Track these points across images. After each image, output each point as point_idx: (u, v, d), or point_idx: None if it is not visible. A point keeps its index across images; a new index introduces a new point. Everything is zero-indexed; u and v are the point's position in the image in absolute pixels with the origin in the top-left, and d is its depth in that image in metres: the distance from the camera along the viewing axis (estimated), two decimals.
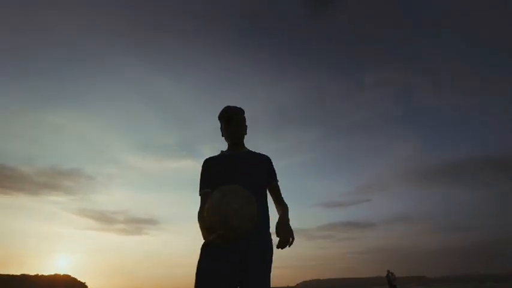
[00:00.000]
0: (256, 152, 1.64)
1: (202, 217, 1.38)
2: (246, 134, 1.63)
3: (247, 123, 1.65)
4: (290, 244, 1.31)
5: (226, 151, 1.61)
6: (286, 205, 1.57)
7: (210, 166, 1.55)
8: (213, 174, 1.51)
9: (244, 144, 1.63)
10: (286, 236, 1.30)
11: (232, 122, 1.55)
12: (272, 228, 1.45)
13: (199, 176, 1.56)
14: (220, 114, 1.59)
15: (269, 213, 1.52)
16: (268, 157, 1.64)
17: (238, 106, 1.61)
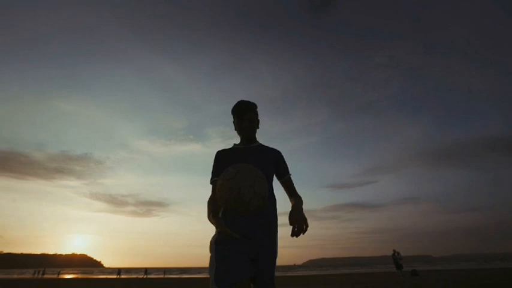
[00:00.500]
0: (268, 146, 1.68)
1: (211, 203, 1.47)
2: (258, 128, 1.68)
3: (258, 116, 1.69)
4: (304, 231, 1.33)
5: (238, 144, 1.67)
6: (300, 197, 1.60)
7: (221, 158, 1.62)
8: (223, 165, 1.56)
9: (256, 138, 1.68)
10: (301, 224, 1.32)
11: (244, 118, 1.60)
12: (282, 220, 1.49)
13: (212, 166, 1.63)
14: (233, 109, 1.63)
15: (276, 206, 1.57)
16: (279, 151, 1.67)
17: (251, 101, 1.64)
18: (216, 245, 1.43)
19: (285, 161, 1.66)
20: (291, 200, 1.60)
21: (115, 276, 35.03)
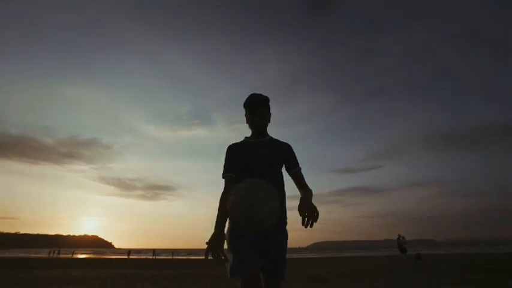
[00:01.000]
0: (278, 139, 1.69)
1: (223, 200, 1.45)
2: (269, 122, 1.67)
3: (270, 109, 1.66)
4: (315, 221, 1.30)
5: (249, 138, 1.68)
6: (310, 189, 1.58)
7: (233, 152, 1.63)
8: (235, 160, 1.59)
9: (267, 132, 1.68)
10: (311, 214, 1.29)
11: (257, 113, 1.60)
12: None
13: (224, 160, 1.63)
14: (245, 102, 1.63)
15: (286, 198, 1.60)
16: (288, 144, 1.68)
17: (263, 94, 1.63)
18: (230, 239, 1.46)
19: (294, 154, 1.67)
20: (300, 192, 1.58)
21: (125, 257, 36.46)
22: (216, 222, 1.41)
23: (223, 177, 1.58)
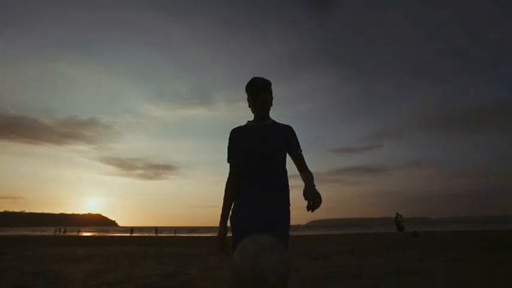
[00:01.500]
0: (280, 123, 1.70)
1: (228, 187, 1.57)
2: (272, 105, 1.68)
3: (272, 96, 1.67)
4: (318, 206, 1.41)
5: (252, 122, 1.69)
6: (310, 172, 1.61)
7: (235, 137, 1.66)
8: (238, 144, 1.62)
9: (269, 116, 1.69)
10: (316, 200, 1.39)
11: (259, 97, 1.60)
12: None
13: (227, 145, 1.67)
14: (247, 86, 1.64)
15: (288, 182, 1.63)
16: (290, 127, 1.70)
17: (265, 78, 1.63)
18: (233, 239, 1.51)
19: (296, 137, 1.67)
20: (301, 175, 1.63)
21: (128, 235, 37.51)
22: (222, 215, 1.54)
23: (228, 162, 1.64)
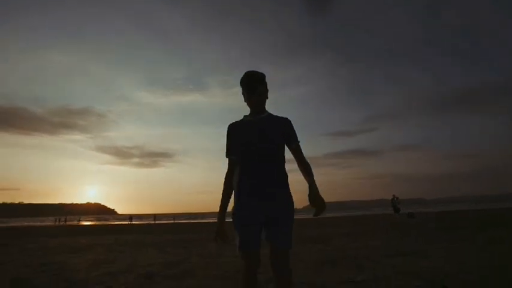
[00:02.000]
0: (277, 115, 1.70)
1: (227, 180, 1.63)
2: (267, 98, 1.67)
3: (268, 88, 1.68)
4: (323, 211, 1.50)
5: (248, 116, 1.68)
6: (309, 165, 1.63)
7: (232, 132, 1.67)
8: (235, 139, 1.64)
9: (265, 109, 1.68)
10: (322, 207, 1.49)
11: (255, 92, 1.59)
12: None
13: (226, 140, 1.69)
14: (241, 81, 1.62)
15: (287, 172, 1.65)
16: (288, 120, 1.69)
17: (259, 71, 1.61)
18: (233, 223, 1.57)
19: (293, 129, 1.67)
20: (300, 168, 1.64)
21: (128, 222, 37.98)
22: (220, 208, 1.61)
23: (226, 157, 1.68)
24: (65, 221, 48.75)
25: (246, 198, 1.54)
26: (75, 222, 46.72)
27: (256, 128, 1.60)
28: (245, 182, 1.55)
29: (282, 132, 1.62)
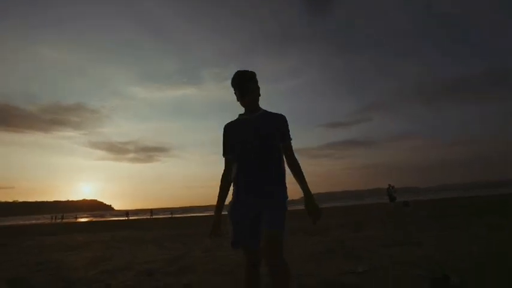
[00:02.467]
0: (272, 112, 1.71)
1: (223, 179, 1.68)
2: (260, 95, 1.68)
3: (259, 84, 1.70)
4: (319, 218, 1.56)
5: (243, 114, 1.71)
6: (298, 165, 1.66)
7: (228, 131, 1.71)
8: (231, 139, 1.67)
9: (259, 106, 1.70)
10: (318, 216, 1.56)
11: (247, 92, 1.62)
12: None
13: (222, 140, 1.72)
14: (232, 81, 1.65)
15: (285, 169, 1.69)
16: (283, 116, 1.70)
17: (249, 70, 1.64)
18: (228, 212, 1.62)
19: (287, 127, 1.69)
20: (289, 167, 1.68)
21: (125, 218, 37.94)
22: (216, 204, 1.64)
23: (223, 156, 1.71)
24: (62, 218, 48.48)
25: (243, 195, 1.59)
26: (72, 220, 46.50)
27: (252, 126, 1.62)
28: (241, 180, 1.59)
29: (277, 128, 1.64)
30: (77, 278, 3.23)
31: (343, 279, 2.59)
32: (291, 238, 5.87)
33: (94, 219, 43.77)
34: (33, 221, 45.19)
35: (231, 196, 1.66)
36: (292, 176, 1.67)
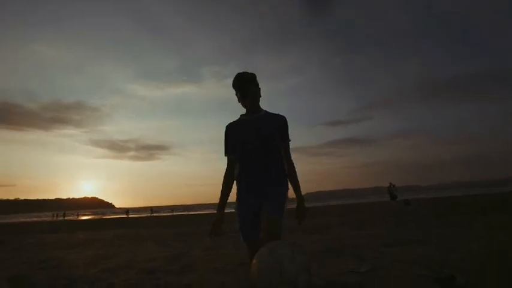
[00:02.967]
0: (273, 113, 1.76)
1: (226, 178, 1.72)
2: (260, 96, 1.73)
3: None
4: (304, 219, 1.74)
5: (244, 115, 1.75)
6: (294, 168, 1.73)
7: (230, 132, 1.75)
8: (233, 139, 1.71)
9: (260, 107, 1.74)
10: (304, 218, 1.74)
11: (248, 94, 1.66)
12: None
13: (223, 140, 1.77)
14: (233, 84, 1.69)
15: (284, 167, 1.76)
16: (283, 117, 1.75)
17: (249, 72, 1.68)
18: (236, 205, 1.70)
19: (287, 128, 1.73)
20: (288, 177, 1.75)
21: (125, 216, 38.06)
22: (218, 203, 1.69)
23: (225, 156, 1.76)
24: (64, 216, 48.69)
25: (245, 195, 1.66)
26: (74, 217, 46.66)
27: (253, 127, 1.67)
28: (243, 180, 1.66)
29: (277, 129, 1.69)
30: (79, 276, 3.22)
31: (345, 279, 2.58)
32: (291, 237, 5.86)
33: (95, 217, 43.90)
34: (35, 219, 45.34)
35: (236, 197, 1.73)
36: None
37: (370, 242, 4.55)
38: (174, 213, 40.62)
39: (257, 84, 1.70)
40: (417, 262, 2.96)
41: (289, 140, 1.72)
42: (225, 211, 1.74)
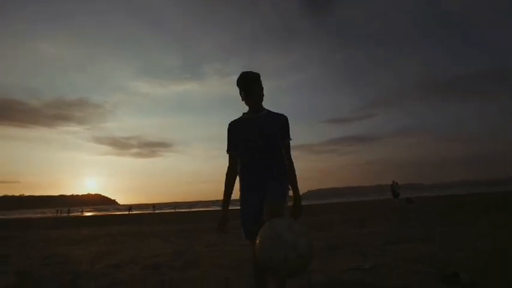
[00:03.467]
0: (275, 112, 1.79)
1: (228, 176, 1.75)
2: (263, 95, 1.75)
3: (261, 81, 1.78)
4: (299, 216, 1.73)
5: (247, 113, 1.78)
6: (293, 167, 1.75)
7: (232, 129, 1.77)
8: (235, 137, 1.73)
9: (262, 106, 1.77)
10: (300, 215, 1.74)
11: (252, 93, 1.69)
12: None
13: (226, 138, 1.79)
14: (237, 82, 1.73)
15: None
16: (285, 117, 1.78)
17: (253, 71, 1.71)
18: (240, 202, 1.73)
19: (288, 127, 1.76)
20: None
21: (127, 213, 38.36)
22: (223, 201, 1.73)
23: (227, 153, 1.78)
24: (68, 212, 49.19)
25: (247, 193, 1.69)
26: (78, 213, 47.11)
27: (256, 126, 1.70)
28: (245, 178, 1.70)
29: (279, 128, 1.72)
30: (84, 272, 3.26)
31: (348, 276, 2.58)
32: None
33: (99, 214, 44.25)
34: (39, 215, 45.79)
35: (240, 195, 1.75)
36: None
37: (373, 239, 4.55)
38: (176, 210, 40.86)
39: (261, 84, 1.72)
40: (420, 260, 2.96)
41: (290, 139, 1.75)
42: (229, 208, 1.75)
